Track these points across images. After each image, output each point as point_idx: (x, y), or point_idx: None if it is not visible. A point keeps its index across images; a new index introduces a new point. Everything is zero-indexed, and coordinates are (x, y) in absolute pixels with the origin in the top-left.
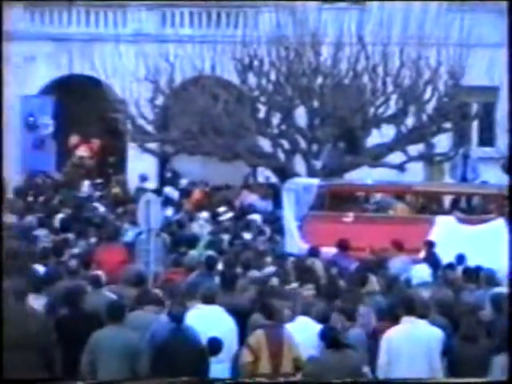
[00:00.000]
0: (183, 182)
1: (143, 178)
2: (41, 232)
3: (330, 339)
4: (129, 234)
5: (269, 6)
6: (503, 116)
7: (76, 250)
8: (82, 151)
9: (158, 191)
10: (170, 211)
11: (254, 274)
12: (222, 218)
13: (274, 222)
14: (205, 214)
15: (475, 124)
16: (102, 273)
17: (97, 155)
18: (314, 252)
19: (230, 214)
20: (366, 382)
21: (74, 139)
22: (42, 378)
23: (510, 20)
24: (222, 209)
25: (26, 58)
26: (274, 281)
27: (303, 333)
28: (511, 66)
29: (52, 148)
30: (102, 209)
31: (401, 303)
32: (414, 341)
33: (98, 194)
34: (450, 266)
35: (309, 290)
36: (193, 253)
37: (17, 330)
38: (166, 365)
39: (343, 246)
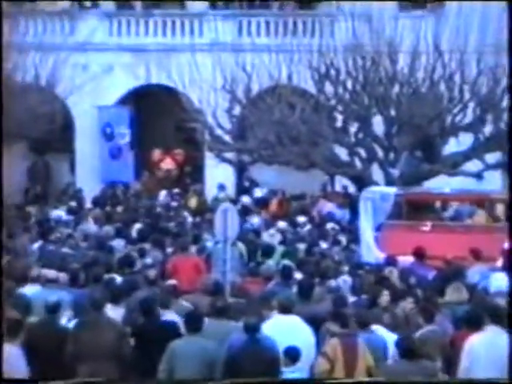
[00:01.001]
0: (260, 191)
1: (221, 188)
2: (118, 242)
3: (405, 349)
4: (206, 244)
5: (345, 15)
6: None
7: (150, 260)
8: (168, 164)
9: (235, 200)
10: (256, 219)
11: (331, 283)
12: (299, 229)
13: (351, 231)
14: (282, 224)
15: None
16: (178, 282)
17: (181, 166)
18: (391, 261)
19: (308, 226)
20: (371, 383)
21: (157, 153)
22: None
23: (510, 20)
24: (301, 218)
25: (104, 69)
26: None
27: (376, 341)
28: (511, 66)
29: (129, 158)
30: (179, 218)
31: (485, 312)
32: (497, 350)
33: (175, 203)
34: None
35: (409, 304)
36: (269, 262)
37: (94, 339)
38: (241, 374)
39: (420, 254)
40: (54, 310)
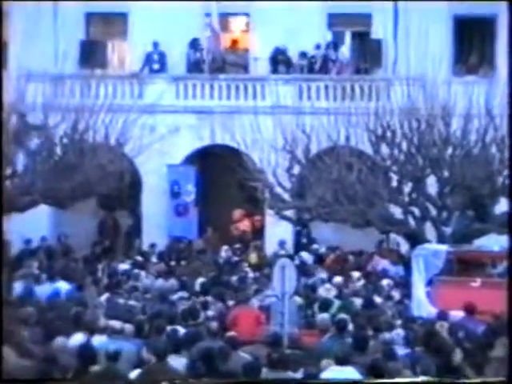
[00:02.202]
0: (318, 247)
1: (282, 244)
2: (182, 294)
3: None
4: (265, 297)
5: (400, 79)
6: None
7: (212, 312)
8: (246, 226)
9: (292, 256)
10: (323, 274)
11: (385, 336)
12: (354, 284)
13: (404, 286)
14: (338, 279)
15: None
16: (238, 334)
17: (256, 230)
18: (442, 315)
19: (362, 281)
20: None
21: (238, 213)
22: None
23: (510, 20)
24: (355, 274)
25: (171, 130)
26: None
27: None
28: (511, 66)
29: (194, 215)
30: (240, 273)
31: None
32: None
33: (236, 258)
34: None
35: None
36: (325, 315)
37: None
38: None
39: (470, 309)
40: (114, 357)
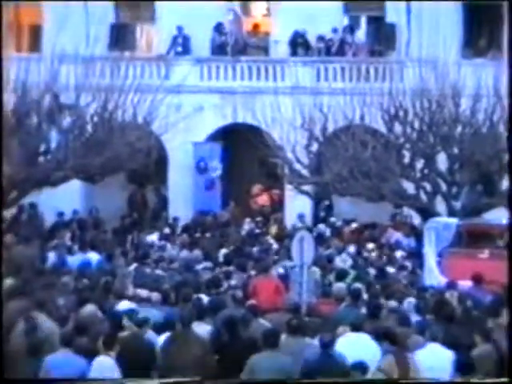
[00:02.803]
0: (335, 220)
1: (301, 217)
2: (206, 264)
3: (463, 365)
4: (285, 267)
5: (413, 61)
6: None
7: (235, 282)
8: (264, 200)
9: (311, 228)
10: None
11: (392, 304)
12: (368, 254)
13: (416, 257)
14: (353, 250)
15: None
16: (258, 302)
17: (275, 204)
18: (451, 285)
19: (376, 252)
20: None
21: (256, 188)
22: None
23: (510, 20)
24: (370, 245)
25: (195, 109)
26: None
27: (434, 358)
28: (511, 66)
29: (219, 189)
30: (261, 244)
31: None
32: None
33: (258, 230)
34: None
35: None
36: (341, 285)
37: (182, 352)
38: None
39: (478, 279)
40: (141, 324)
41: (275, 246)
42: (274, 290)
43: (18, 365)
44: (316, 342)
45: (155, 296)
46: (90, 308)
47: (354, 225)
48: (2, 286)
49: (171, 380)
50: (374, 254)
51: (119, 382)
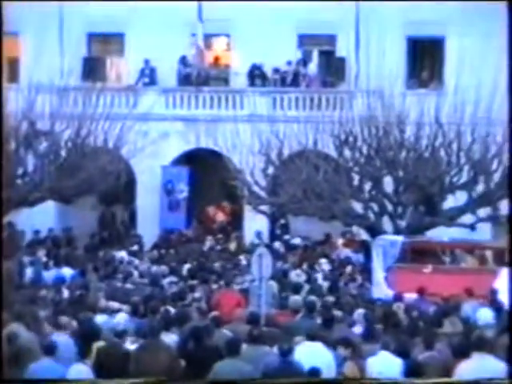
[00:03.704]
0: (289, 237)
1: (258, 235)
2: (172, 279)
3: (411, 370)
4: (244, 281)
5: (361, 92)
6: None
7: (199, 294)
8: (221, 217)
9: (268, 245)
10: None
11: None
12: (321, 268)
13: (365, 271)
14: (305, 265)
15: None
16: (221, 313)
17: (227, 216)
18: (398, 297)
19: (328, 267)
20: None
21: (211, 209)
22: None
23: (510, 20)
24: (322, 260)
25: (161, 135)
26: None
27: (385, 364)
28: (511, 68)
29: (184, 209)
30: (222, 260)
31: (474, 342)
32: (482, 373)
33: (219, 247)
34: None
35: None
36: (297, 297)
37: (152, 360)
38: None
39: (423, 292)
40: (120, 335)
41: (235, 261)
42: (235, 303)
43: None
44: (275, 350)
45: (125, 308)
46: (64, 319)
47: (307, 242)
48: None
49: (141, 380)
50: (326, 269)
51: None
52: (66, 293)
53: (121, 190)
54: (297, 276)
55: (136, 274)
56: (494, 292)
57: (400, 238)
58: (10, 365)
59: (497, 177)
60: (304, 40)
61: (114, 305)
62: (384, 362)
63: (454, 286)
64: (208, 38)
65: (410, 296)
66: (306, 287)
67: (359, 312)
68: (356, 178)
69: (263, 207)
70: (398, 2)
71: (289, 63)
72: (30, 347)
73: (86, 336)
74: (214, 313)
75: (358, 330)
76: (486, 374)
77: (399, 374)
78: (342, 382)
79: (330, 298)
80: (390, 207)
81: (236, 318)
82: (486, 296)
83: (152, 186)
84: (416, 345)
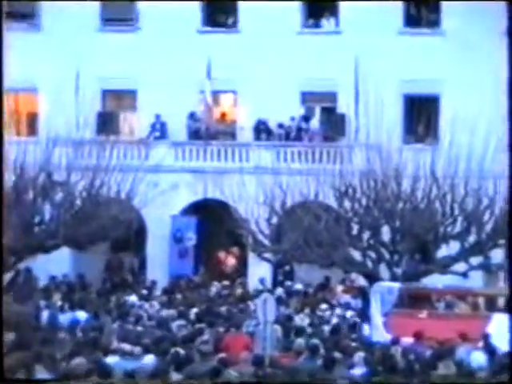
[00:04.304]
0: (292, 284)
1: (262, 281)
2: (180, 322)
3: None
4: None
5: (360, 146)
6: None
7: (206, 337)
8: (231, 260)
9: (272, 291)
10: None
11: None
12: (322, 314)
13: (364, 316)
14: (307, 310)
15: None
16: (228, 355)
17: (237, 260)
18: (395, 341)
19: (328, 311)
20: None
21: (222, 254)
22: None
23: (510, 20)
24: (323, 306)
25: (171, 186)
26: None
27: None
28: (511, 69)
29: (192, 256)
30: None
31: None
32: None
33: (225, 292)
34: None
35: None
36: (300, 340)
37: None
38: None
39: (419, 336)
40: (131, 375)
41: (240, 306)
42: (243, 345)
43: None
44: None
45: (137, 350)
46: (79, 360)
47: (309, 288)
48: (2, 292)
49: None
50: (327, 314)
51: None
52: (80, 335)
53: (132, 238)
54: (300, 320)
55: (146, 316)
56: (486, 336)
57: (397, 285)
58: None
59: (488, 227)
60: (306, 97)
61: (126, 346)
62: None
63: (448, 330)
64: (216, 94)
65: (407, 340)
66: (309, 331)
67: (359, 355)
68: (355, 228)
69: (267, 254)
70: (394, 62)
71: (292, 119)
72: None
73: (99, 376)
74: (222, 354)
75: (357, 371)
76: None
77: None
78: None
79: (332, 342)
80: (387, 255)
81: (242, 359)
82: (479, 340)
83: (162, 234)
84: None
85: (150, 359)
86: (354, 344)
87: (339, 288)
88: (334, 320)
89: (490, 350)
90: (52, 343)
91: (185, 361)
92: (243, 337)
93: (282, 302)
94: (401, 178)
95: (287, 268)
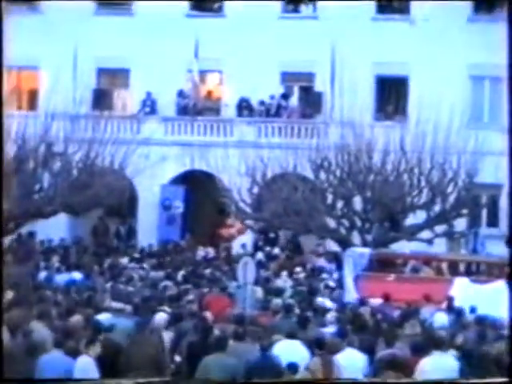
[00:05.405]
0: (271, 249)
1: (243, 246)
2: (167, 283)
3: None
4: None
5: (335, 123)
6: (506, 204)
7: (191, 297)
8: (229, 232)
9: (252, 255)
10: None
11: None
12: (297, 276)
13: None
14: (285, 273)
15: (484, 211)
16: (211, 314)
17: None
18: (363, 302)
19: (303, 274)
20: (367, 383)
21: (225, 231)
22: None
23: (510, 21)
24: (297, 269)
25: (161, 158)
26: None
27: (351, 359)
28: (511, 69)
29: (179, 223)
30: (212, 267)
31: (431, 341)
32: (440, 370)
33: (210, 256)
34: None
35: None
36: (278, 301)
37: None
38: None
39: (386, 298)
40: (109, 329)
41: (224, 268)
42: (223, 305)
43: (17, 363)
44: (257, 346)
45: (128, 308)
46: (76, 318)
47: (286, 252)
48: (2, 294)
49: (144, 380)
50: (301, 276)
51: (99, 382)
52: (74, 294)
53: (124, 205)
54: (283, 282)
55: (136, 278)
56: (450, 299)
57: (367, 250)
58: (26, 356)
59: (452, 198)
60: (286, 77)
61: (118, 305)
62: (349, 358)
63: (414, 292)
64: (203, 73)
65: (376, 301)
66: (288, 291)
67: (332, 314)
68: (330, 198)
69: (249, 222)
70: (367, 46)
71: (272, 97)
72: (43, 341)
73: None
74: (205, 313)
75: (330, 329)
76: (442, 370)
77: (362, 367)
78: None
79: (307, 302)
80: (359, 223)
81: (224, 318)
82: (442, 302)
83: (152, 202)
84: (379, 343)
85: (161, 316)
86: (326, 304)
87: (315, 253)
88: (309, 282)
89: (452, 311)
90: (48, 302)
91: (172, 319)
92: (225, 297)
93: (261, 266)
94: (372, 152)
95: (271, 235)
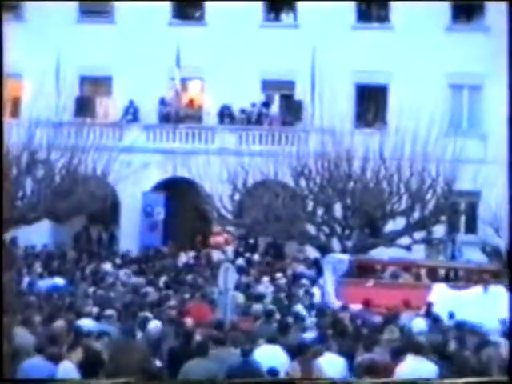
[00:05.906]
0: (250, 255)
1: (224, 252)
2: (148, 289)
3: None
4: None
5: (315, 130)
6: (484, 212)
7: (172, 303)
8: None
9: (233, 261)
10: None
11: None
12: (278, 282)
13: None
14: (266, 279)
15: (463, 218)
16: (192, 320)
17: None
18: (344, 308)
19: (284, 280)
20: (344, 382)
21: (217, 238)
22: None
23: (509, 21)
24: (278, 275)
25: (143, 165)
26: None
27: (330, 364)
28: (511, 69)
29: (160, 229)
30: (193, 274)
31: (409, 346)
32: (420, 375)
33: (191, 262)
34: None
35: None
36: (258, 306)
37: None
38: None
39: (366, 303)
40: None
41: (205, 274)
42: (204, 310)
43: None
44: (238, 351)
45: (109, 313)
46: (59, 323)
47: (267, 259)
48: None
49: (132, 379)
50: (283, 282)
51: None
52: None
53: (107, 212)
54: (264, 287)
55: (118, 283)
56: (429, 305)
57: (347, 257)
58: (10, 362)
59: (431, 205)
60: (267, 85)
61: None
62: (329, 362)
63: (393, 298)
64: (184, 81)
65: (355, 306)
66: (268, 298)
67: (312, 320)
68: (310, 205)
69: (230, 228)
70: (347, 54)
71: (253, 105)
72: (25, 346)
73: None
74: (186, 319)
75: (310, 335)
76: (420, 375)
77: (342, 371)
78: (295, 383)
79: (287, 308)
80: (338, 230)
81: (205, 324)
82: (421, 307)
83: (134, 209)
84: (358, 348)
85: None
86: (306, 310)
87: (295, 258)
88: (289, 288)
89: (431, 316)
90: (31, 307)
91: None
92: (205, 304)
93: (242, 271)
94: (352, 159)
95: (251, 241)
